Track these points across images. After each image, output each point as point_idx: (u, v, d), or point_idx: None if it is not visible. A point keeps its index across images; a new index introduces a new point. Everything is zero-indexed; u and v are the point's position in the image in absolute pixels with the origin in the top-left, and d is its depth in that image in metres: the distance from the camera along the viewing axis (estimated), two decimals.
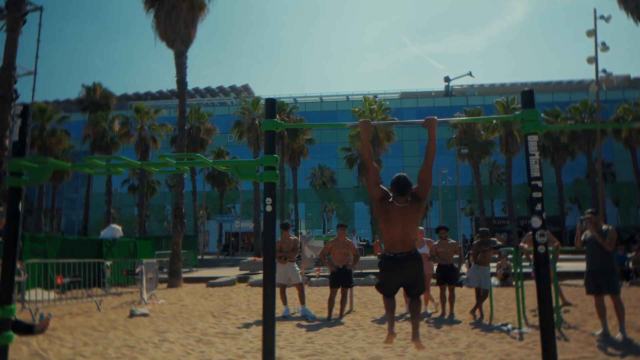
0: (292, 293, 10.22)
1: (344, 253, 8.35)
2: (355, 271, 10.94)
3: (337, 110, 47.90)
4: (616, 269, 6.67)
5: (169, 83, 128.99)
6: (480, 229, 8.58)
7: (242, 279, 15.98)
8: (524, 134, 3.67)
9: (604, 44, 25.26)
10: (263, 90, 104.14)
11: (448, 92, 51.08)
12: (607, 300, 6.60)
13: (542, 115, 35.95)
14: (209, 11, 16.66)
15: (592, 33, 24.75)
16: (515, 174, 33.82)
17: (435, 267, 8.97)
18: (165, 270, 15.74)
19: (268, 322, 3.67)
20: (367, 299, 11.03)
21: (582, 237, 6.82)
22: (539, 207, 3.53)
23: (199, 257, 26.57)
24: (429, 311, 8.95)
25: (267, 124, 3.87)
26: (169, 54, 16.81)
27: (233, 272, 18.84)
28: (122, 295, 12.12)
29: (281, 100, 37.29)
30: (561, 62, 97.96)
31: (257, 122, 31.30)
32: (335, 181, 50.18)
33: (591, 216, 6.64)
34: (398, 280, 3.85)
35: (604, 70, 26.87)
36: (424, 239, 9.26)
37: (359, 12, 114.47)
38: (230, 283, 15.06)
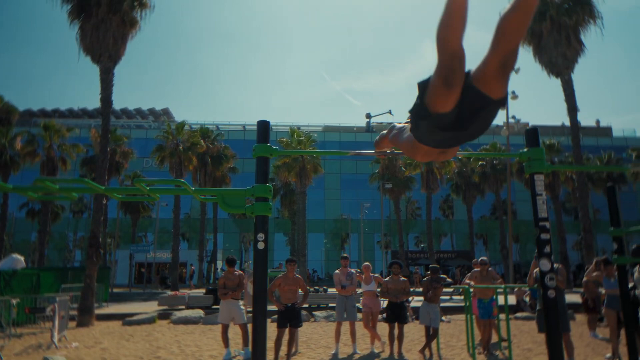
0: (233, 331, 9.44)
1: (293, 290, 7.84)
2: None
3: None
4: (566, 306, 6.87)
5: (83, 101, 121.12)
6: (431, 265, 8.54)
7: (162, 316, 14.73)
8: (528, 173, 3.56)
9: (513, 92, 27.70)
10: (184, 115, 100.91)
11: (369, 128, 52.71)
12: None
13: (458, 156, 38.35)
14: (140, 28, 15.75)
15: None
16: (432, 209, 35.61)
17: (384, 304, 8.75)
18: (74, 306, 14.06)
19: None
20: (306, 337, 10.52)
21: (535, 275, 6.97)
22: (547, 249, 3.41)
23: (109, 290, 24.27)
24: (376, 350, 8.67)
25: (260, 149, 3.44)
26: (89, 70, 15.60)
27: (150, 307, 17.39)
28: (23, 338, 10.54)
29: (206, 126, 36.20)
30: None
31: (180, 147, 29.91)
32: None
33: None
34: None
35: (514, 117, 29.39)
36: (372, 275, 9.04)
37: (282, 45, 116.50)
38: (150, 321, 13.77)
